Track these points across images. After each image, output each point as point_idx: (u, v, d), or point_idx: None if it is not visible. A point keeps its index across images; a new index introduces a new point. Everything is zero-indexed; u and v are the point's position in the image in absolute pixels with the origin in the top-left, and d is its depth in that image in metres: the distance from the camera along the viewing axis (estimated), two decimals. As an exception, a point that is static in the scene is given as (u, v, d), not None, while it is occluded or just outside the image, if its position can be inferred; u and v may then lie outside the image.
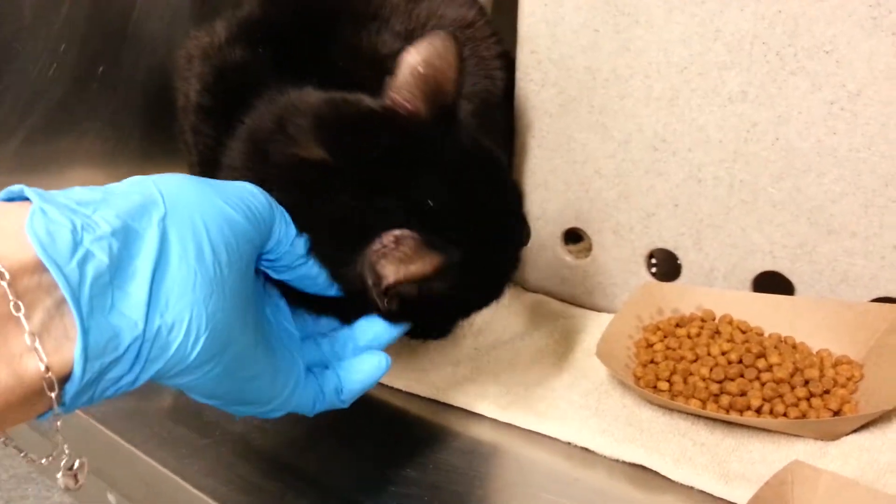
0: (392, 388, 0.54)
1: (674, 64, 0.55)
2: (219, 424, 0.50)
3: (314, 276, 0.41)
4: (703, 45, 0.54)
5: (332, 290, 0.42)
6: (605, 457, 0.47)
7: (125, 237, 0.31)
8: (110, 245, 0.30)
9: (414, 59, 0.42)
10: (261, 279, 0.42)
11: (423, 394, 0.54)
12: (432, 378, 0.55)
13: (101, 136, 0.76)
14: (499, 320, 0.63)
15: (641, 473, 0.46)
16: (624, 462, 0.47)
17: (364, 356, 0.43)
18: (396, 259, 0.39)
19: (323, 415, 0.51)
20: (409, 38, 0.55)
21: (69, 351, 0.29)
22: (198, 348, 0.32)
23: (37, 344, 0.29)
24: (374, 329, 0.44)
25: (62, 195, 0.32)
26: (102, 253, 0.30)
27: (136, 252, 0.31)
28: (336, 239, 0.41)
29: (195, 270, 0.32)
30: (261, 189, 0.38)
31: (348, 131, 0.43)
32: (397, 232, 0.39)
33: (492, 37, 0.61)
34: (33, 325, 0.29)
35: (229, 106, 0.52)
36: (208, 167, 0.53)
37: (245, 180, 0.41)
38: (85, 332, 0.29)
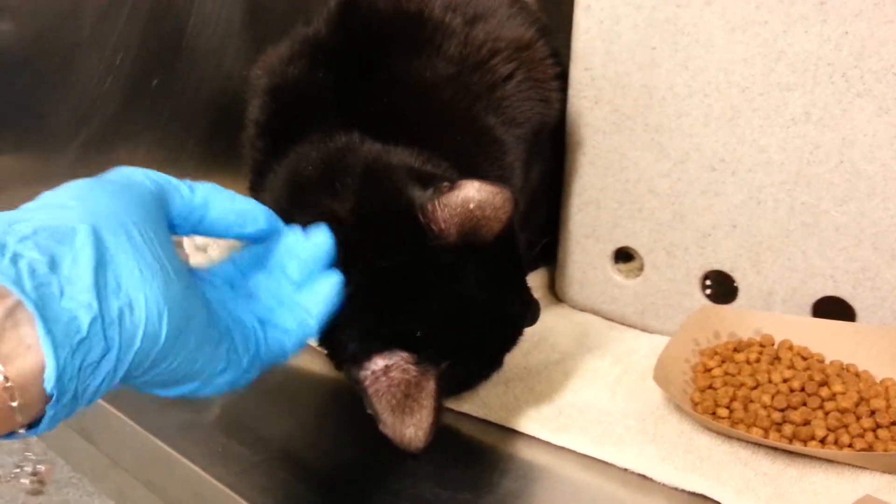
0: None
1: (735, 84, 0.54)
2: (272, 441, 0.50)
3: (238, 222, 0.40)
4: (766, 66, 0.53)
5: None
6: (662, 484, 0.46)
7: (53, 235, 0.32)
8: (37, 243, 0.31)
9: (472, 194, 0.43)
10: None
11: (474, 413, 0.53)
12: (483, 397, 0.54)
13: (154, 146, 0.77)
14: (547, 339, 0.62)
15: (701, 502, 0.45)
16: (683, 490, 0.46)
17: (320, 279, 0.41)
18: (391, 405, 0.42)
19: (377, 436, 0.51)
20: (464, 62, 0.55)
21: (33, 357, 0.30)
22: (164, 326, 0.33)
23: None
24: (323, 291, 0.42)
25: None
26: (31, 251, 0.31)
27: (70, 245, 0.32)
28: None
29: (133, 256, 0.33)
30: (135, 168, 0.38)
31: (379, 230, 0.44)
32: (389, 359, 0.42)
33: (550, 57, 0.61)
34: None
35: (282, 125, 0.53)
36: (257, 180, 0.54)
37: (278, 210, 0.42)
38: (42, 319, 0.29)
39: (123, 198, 0.35)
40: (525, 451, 0.50)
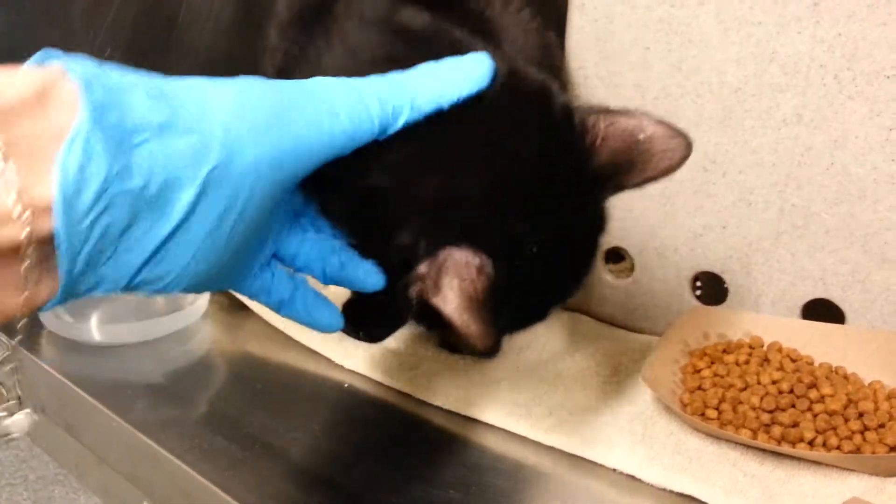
0: (433, 405, 0.53)
1: (727, 84, 0.54)
2: (259, 437, 0.49)
3: None
4: (759, 67, 0.53)
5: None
6: (651, 485, 0.46)
7: (159, 192, 0.29)
8: (133, 204, 0.28)
9: (647, 125, 0.38)
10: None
11: (464, 412, 0.53)
12: (473, 396, 0.54)
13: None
14: (538, 338, 0.62)
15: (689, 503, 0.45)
16: (671, 491, 0.45)
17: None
18: (467, 296, 0.35)
19: (365, 433, 0.51)
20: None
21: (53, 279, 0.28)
22: (170, 291, 0.32)
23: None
24: (369, 279, 0.40)
25: (118, 109, 0.28)
26: (123, 210, 0.28)
27: (160, 210, 0.29)
28: (424, 194, 0.36)
29: (208, 238, 0.30)
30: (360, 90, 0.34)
31: (516, 114, 0.37)
32: (488, 267, 0.36)
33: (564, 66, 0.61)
34: (29, 263, 0.28)
35: (313, 17, 0.48)
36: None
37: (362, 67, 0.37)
38: (66, 287, 0.28)
39: (280, 151, 0.31)
40: (515, 451, 0.50)
